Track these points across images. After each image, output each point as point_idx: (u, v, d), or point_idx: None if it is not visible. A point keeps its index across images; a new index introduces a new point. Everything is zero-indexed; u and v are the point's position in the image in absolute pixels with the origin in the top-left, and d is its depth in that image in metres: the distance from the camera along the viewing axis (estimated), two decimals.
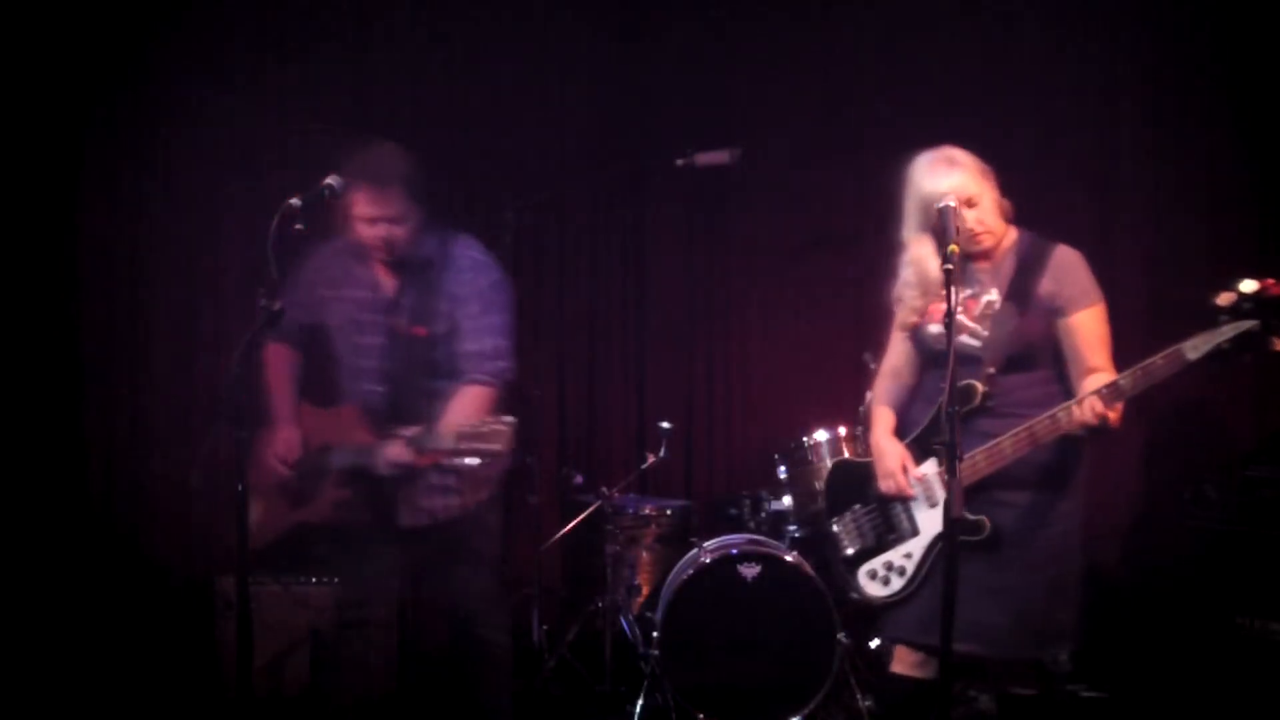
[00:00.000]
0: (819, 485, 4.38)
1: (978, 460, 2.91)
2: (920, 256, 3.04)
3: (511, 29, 5.18)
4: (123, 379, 4.95)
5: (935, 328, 3.01)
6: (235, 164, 5.02)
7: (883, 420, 3.19)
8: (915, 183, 3.00)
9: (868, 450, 3.23)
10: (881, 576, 3.10)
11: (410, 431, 3.11)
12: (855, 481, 3.20)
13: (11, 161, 4.67)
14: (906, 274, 3.10)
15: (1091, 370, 2.93)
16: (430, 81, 5.13)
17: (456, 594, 3.48)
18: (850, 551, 3.17)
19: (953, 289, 2.66)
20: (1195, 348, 2.69)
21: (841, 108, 5.23)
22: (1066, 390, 2.97)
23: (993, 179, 3.01)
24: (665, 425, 4.65)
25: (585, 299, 5.47)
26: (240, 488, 2.83)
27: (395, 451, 3.13)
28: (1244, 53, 4.80)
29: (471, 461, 3.00)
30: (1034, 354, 2.98)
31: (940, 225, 2.83)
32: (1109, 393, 2.78)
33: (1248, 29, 4.77)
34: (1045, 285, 2.97)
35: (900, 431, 3.16)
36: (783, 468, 4.55)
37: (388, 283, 3.39)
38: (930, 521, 3.02)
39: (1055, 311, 2.96)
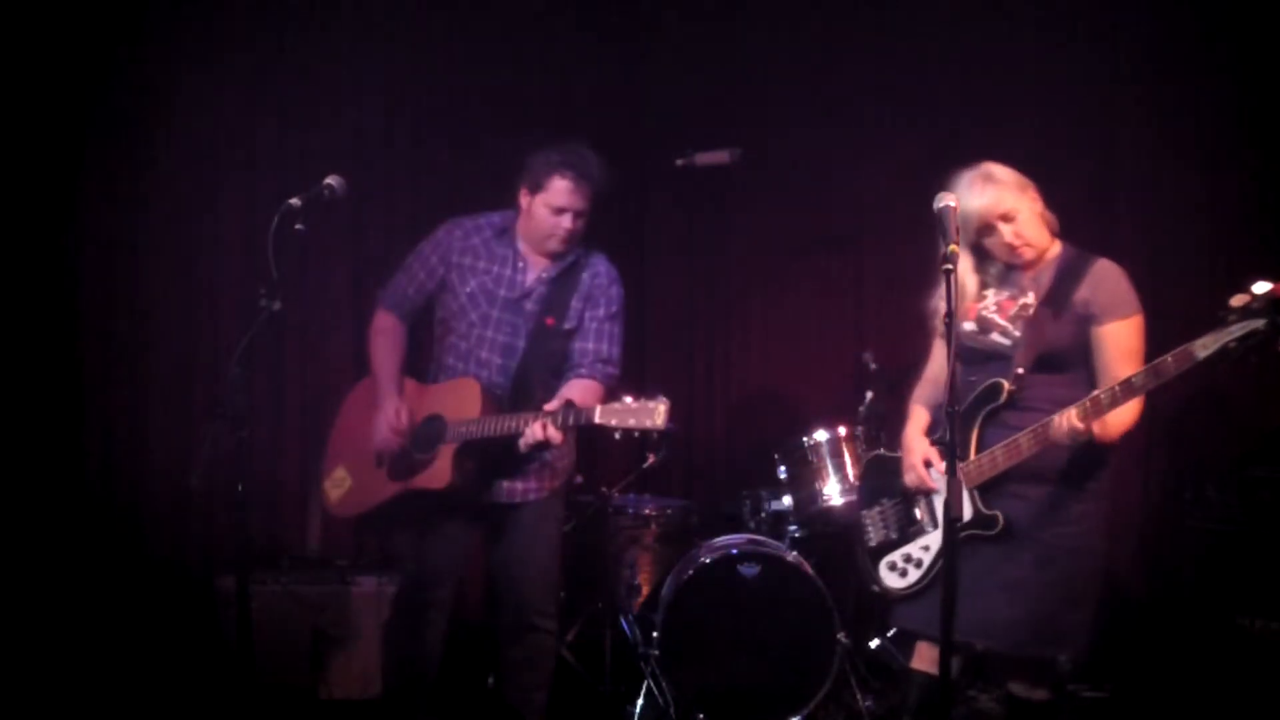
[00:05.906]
0: (819, 485, 4.40)
1: (996, 456, 2.98)
2: (959, 270, 3.07)
3: (511, 29, 5.17)
4: (123, 379, 4.95)
5: (969, 325, 3.12)
6: (235, 163, 5.02)
7: (916, 418, 3.28)
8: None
9: (895, 446, 3.32)
10: (900, 569, 3.19)
11: (552, 406, 3.22)
12: (886, 475, 3.29)
13: (11, 161, 4.67)
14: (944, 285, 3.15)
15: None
16: (430, 81, 5.12)
17: (515, 579, 3.54)
18: (874, 543, 3.27)
19: (953, 289, 2.65)
20: (1205, 346, 2.71)
21: (841, 108, 5.22)
22: None
23: (1034, 192, 3.08)
24: (666, 425, 4.63)
25: None
26: (240, 488, 2.85)
27: (540, 427, 3.20)
28: (1246, 50, 4.79)
29: (616, 436, 3.17)
30: (1065, 358, 3.03)
31: (941, 225, 2.79)
32: (1111, 396, 2.82)
33: (1250, 26, 4.76)
34: (1081, 293, 3.02)
35: (933, 430, 3.24)
36: (783, 468, 4.55)
37: (529, 269, 3.53)
38: None
39: (1089, 319, 3.01)
